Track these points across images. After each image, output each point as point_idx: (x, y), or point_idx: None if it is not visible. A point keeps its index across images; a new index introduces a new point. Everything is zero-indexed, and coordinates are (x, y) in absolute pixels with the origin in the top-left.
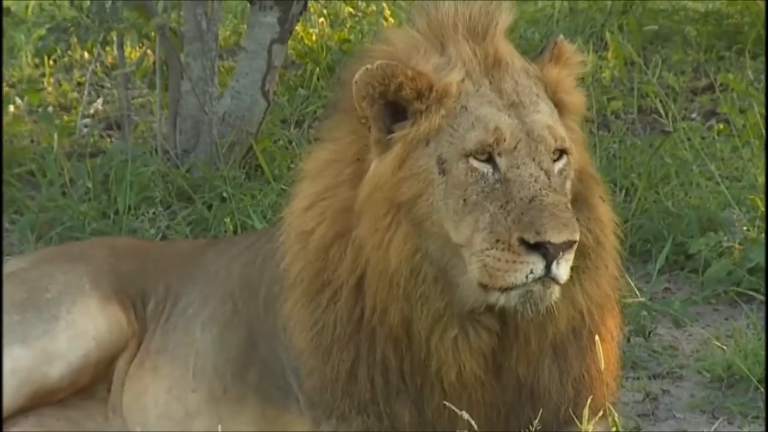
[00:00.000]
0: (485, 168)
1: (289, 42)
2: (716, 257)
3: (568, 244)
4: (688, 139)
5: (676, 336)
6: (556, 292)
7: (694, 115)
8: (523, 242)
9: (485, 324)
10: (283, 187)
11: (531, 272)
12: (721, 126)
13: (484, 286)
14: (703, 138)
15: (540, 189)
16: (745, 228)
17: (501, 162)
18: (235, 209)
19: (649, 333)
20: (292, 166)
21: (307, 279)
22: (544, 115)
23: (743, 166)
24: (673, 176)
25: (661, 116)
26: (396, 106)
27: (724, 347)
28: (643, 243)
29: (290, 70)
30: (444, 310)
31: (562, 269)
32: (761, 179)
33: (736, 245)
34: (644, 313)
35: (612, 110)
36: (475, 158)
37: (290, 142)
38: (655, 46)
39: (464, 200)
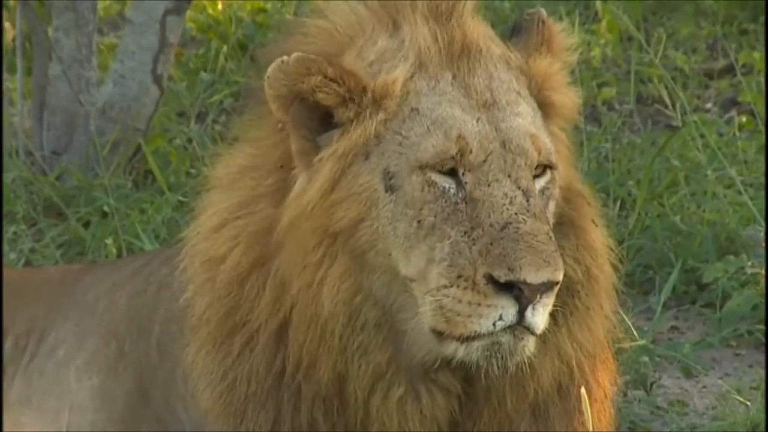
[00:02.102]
0: (446, 183)
1: (188, 13)
2: (737, 287)
3: (547, 286)
4: (702, 136)
5: (686, 388)
6: (530, 344)
7: (708, 106)
8: (491, 280)
9: (442, 384)
10: (182, 198)
11: (500, 318)
12: (744, 119)
13: (438, 334)
14: (721, 135)
15: (516, 213)
16: None
17: (466, 178)
18: (120, 227)
19: (652, 385)
20: (193, 172)
21: (216, 319)
22: (525, 119)
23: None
24: (681, 184)
25: (666, 107)
26: (322, 110)
27: (748, 402)
28: (643, 270)
29: (189, 49)
30: (387, 364)
31: (539, 317)
32: None
33: (763, 272)
34: (645, 359)
35: (604, 99)
36: (434, 170)
37: (190, 140)
38: (659, 17)
39: (418, 222)
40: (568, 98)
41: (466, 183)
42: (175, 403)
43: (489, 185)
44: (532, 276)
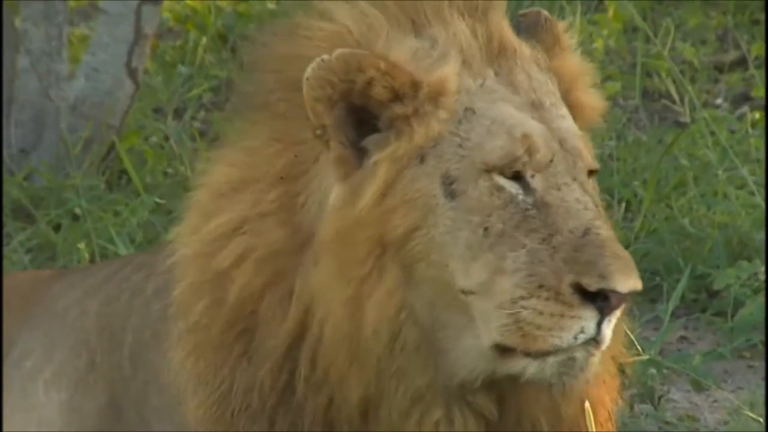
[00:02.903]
0: (513, 188)
1: (165, 2)
2: (751, 294)
3: (630, 295)
4: (712, 134)
5: (697, 402)
6: (598, 360)
7: (719, 101)
8: (578, 290)
9: (477, 407)
10: (158, 200)
11: (581, 331)
12: (757, 115)
13: (504, 350)
14: (732, 132)
15: (592, 219)
16: None
17: (535, 181)
18: (92, 231)
19: (660, 399)
20: (171, 171)
21: (218, 325)
22: (569, 121)
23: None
24: (690, 184)
25: (674, 102)
26: (362, 112)
27: (761, 419)
28: (650, 276)
29: (166, 40)
30: (427, 387)
31: (609, 330)
32: None
33: None
34: (653, 371)
35: (608, 94)
36: (500, 174)
37: (167, 138)
38: (666, 7)
39: (485, 230)
40: (596, 100)
41: (534, 187)
42: (149, 417)
43: (559, 189)
44: (622, 284)
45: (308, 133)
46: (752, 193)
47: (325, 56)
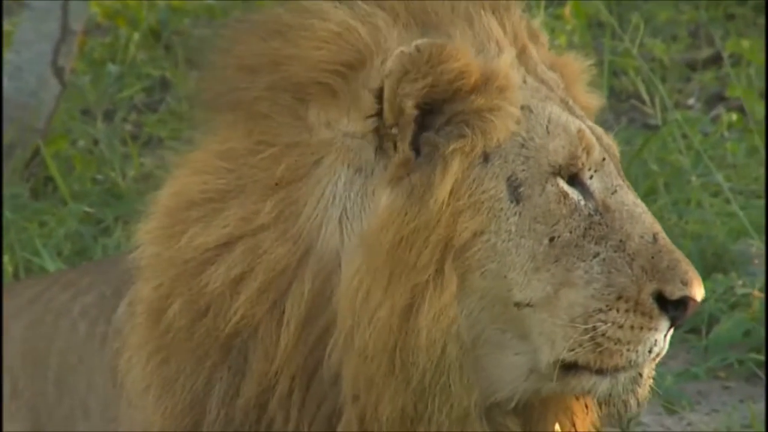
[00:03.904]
0: (574, 193)
1: None
2: (726, 310)
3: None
4: (684, 137)
5: (669, 426)
6: (651, 378)
7: (691, 101)
8: (660, 298)
9: (503, 427)
10: (87, 209)
11: (655, 344)
12: (733, 117)
13: (569, 368)
14: (706, 135)
15: (654, 224)
16: None
17: (594, 183)
18: (16, 242)
19: (630, 422)
20: (100, 178)
21: (197, 331)
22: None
23: (765, 176)
24: (661, 191)
25: (643, 103)
26: (428, 107)
27: None
28: None
29: (95, 37)
30: (474, 407)
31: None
32: None
33: (756, 292)
34: None
35: None
36: (563, 178)
37: (96, 142)
38: (635, 0)
39: (551, 240)
40: (593, 100)
41: (593, 190)
42: None
43: (616, 191)
44: (698, 291)
45: (300, 136)
46: (728, 201)
47: (405, 48)
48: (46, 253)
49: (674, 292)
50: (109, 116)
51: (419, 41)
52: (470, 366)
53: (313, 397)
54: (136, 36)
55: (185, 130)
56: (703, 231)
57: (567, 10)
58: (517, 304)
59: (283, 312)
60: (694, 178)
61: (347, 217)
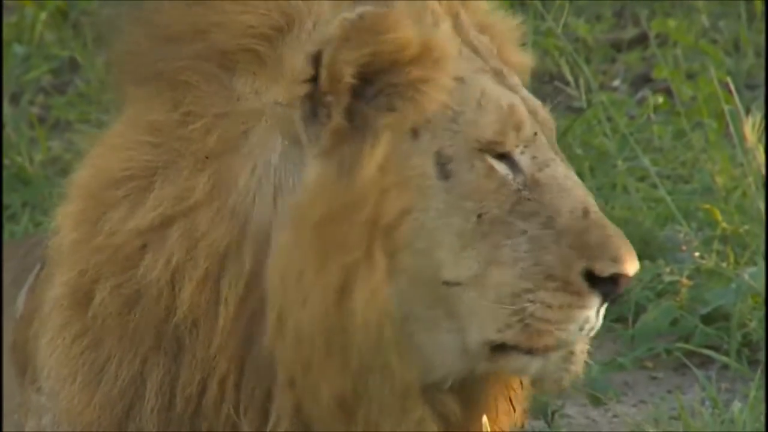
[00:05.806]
0: (502, 168)
1: None
2: (653, 298)
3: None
4: (609, 119)
5: (594, 418)
6: (586, 353)
7: (617, 83)
8: (590, 276)
9: (443, 407)
10: None
11: (587, 321)
12: (660, 99)
13: (498, 348)
14: (632, 117)
15: (586, 196)
16: (697, 254)
17: (523, 158)
18: None
19: (554, 414)
20: (7, 163)
21: (130, 316)
22: (524, 90)
23: (693, 160)
24: (586, 175)
25: (567, 84)
26: (362, 77)
27: None
28: None
29: None
30: (411, 384)
31: (601, 317)
32: (720, 179)
33: (684, 280)
34: None
35: None
36: (490, 153)
37: (2, 125)
38: None
39: (479, 216)
40: (525, 59)
41: (522, 166)
42: None
43: (548, 165)
44: (631, 267)
45: (229, 106)
46: (654, 186)
47: (348, 15)
48: None
49: (604, 270)
50: (15, 99)
51: (362, 8)
52: (406, 345)
53: (248, 381)
54: (43, 15)
55: (95, 113)
56: (630, 217)
57: None
58: (446, 283)
59: (220, 292)
60: (620, 163)
61: (281, 191)
